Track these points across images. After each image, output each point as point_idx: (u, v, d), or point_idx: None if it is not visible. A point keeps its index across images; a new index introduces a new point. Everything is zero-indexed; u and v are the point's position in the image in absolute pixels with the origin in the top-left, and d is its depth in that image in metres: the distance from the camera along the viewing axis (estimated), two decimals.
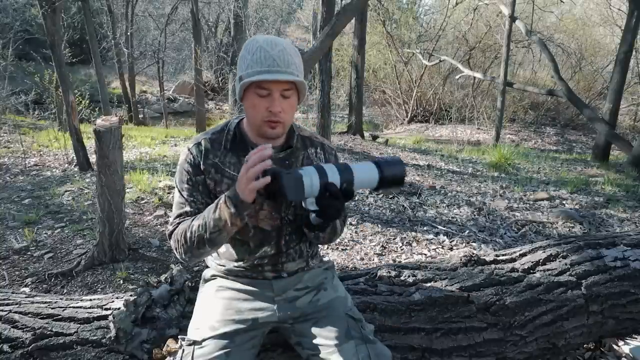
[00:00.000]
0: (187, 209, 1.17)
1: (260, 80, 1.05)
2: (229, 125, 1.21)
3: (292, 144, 1.22)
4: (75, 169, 4.93)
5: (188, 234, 1.11)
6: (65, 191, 4.05)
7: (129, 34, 13.02)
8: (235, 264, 1.25)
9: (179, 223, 1.17)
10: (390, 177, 1.08)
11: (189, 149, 1.19)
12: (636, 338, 1.93)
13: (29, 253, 2.82)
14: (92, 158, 4.71)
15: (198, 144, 1.18)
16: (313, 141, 1.28)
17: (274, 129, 1.11)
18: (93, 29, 10.12)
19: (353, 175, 1.04)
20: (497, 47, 12.33)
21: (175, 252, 1.17)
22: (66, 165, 5.21)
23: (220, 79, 16.45)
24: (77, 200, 3.80)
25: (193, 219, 1.13)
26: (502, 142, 9.27)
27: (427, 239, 3.39)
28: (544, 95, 11.03)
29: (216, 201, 1.08)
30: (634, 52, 8.43)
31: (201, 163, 1.17)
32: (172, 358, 1.18)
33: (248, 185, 0.98)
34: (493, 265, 1.76)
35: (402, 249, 3.21)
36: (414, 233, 3.49)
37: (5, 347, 1.27)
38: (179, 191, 1.20)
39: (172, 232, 1.17)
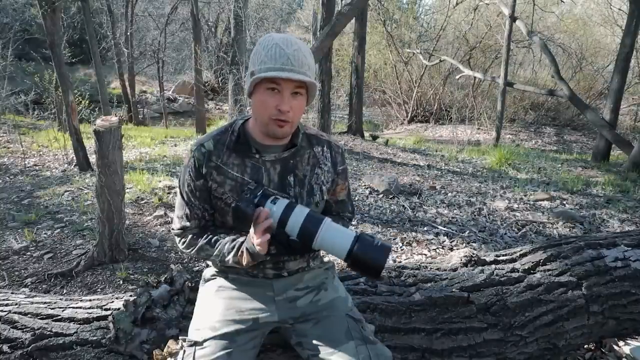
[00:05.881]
0: (187, 211, 1.22)
1: (272, 77, 1.05)
2: (234, 125, 1.21)
3: (296, 143, 1.21)
4: (75, 169, 4.93)
5: (202, 254, 1.20)
6: (65, 191, 4.05)
7: (128, 34, 13.03)
8: None
9: (184, 227, 1.23)
10: (362, 259, 0.96)
11: (192, 152, 1.19)
12: (637, 338, 1.92)
13: (28, 253, 2.82)
14: (92, 158, 4.71)
15: (201, 146, 1.19)
16: (319, 139, 1.27)
17: (281, 127, 1.11)
18: (93, 29, 10.12)
19: (317, 232, 1.02)
20: (497, 47, 12.35)
21: (182, 250, 1.25)
22: (66, 165, 5.21)
23: (220, 79, 16.46)
24: (77, 200, 3.80)
25: (208, 241, 1.19)
26: (502, 143, 9.27)
27: (427, 239, 3.39)
28: (544, 96, 11.03)
29: (237, 245, 1.14)
30: (634, 52, 8.43)
31: (203, 166, 1.17)
32: (173, 359, 1.18)
33: (256, 242, 1.06)
34: (493, 266, 1.75)
35: (402, 249, 3.21)
36: (414, 233, 3.48)
37: (5, 347, 1.27)
38: (180, 193, 1.23)
39: (178, 235, 1.25)
